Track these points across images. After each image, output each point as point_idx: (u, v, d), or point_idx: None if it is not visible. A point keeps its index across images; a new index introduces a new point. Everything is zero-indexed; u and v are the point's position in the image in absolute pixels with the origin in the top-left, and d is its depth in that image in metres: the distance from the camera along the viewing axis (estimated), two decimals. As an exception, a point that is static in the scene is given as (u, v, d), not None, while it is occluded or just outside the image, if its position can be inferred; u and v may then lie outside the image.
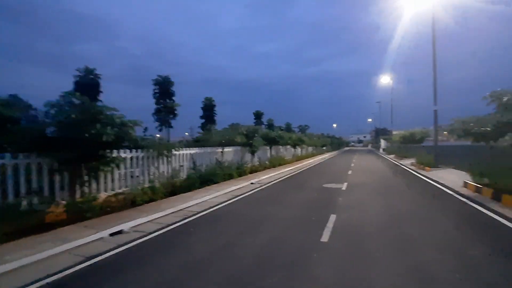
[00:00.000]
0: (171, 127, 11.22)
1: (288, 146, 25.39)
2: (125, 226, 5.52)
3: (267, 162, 18.75)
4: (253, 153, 16.40)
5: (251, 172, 15.48)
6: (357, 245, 4.53)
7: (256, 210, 7.20)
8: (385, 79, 39.45)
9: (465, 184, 9.64)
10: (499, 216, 5.92)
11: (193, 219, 6.42)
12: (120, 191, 7.66)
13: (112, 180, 7.79)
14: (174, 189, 9.29)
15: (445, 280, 3.27)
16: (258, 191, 10.10)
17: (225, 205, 7.84)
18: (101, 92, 12.54)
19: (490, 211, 6.38)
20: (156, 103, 11.26)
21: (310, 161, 25.95)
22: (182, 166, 10.50)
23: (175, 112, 11.21)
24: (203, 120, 17.29)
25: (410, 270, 3.56)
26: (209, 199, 8.57)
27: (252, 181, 12.57)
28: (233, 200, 8.44)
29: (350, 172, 15.95)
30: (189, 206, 7.61)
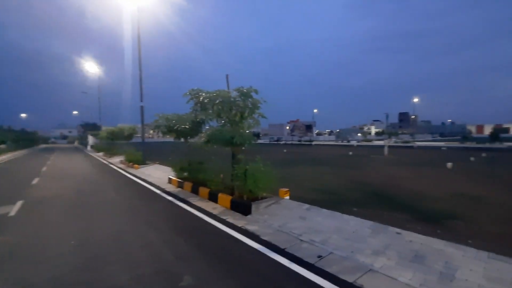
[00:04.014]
0: None
1: None
2: None
3: None
4: None
5: None
6: None
7: None
8: (92, 68, 35.15)
9: (170, 180, 9.90)
10: (201, 212, 6.02)
11: None
12: None
13: None
14: None
15: None
16: None
17: None
18: None
19: (193, 207, 6.43)
20: None
21: (-40, 171, 15.73)
22: None
23: None
24: None
25: None
26: None
27: None
28: None
29: (36, 180, 11.19)
30: None
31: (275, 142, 59.24)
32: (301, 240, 4.27)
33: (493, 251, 3.61)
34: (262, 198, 6.27)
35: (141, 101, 15.80)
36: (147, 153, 17.08)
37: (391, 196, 7.32)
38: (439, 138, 68.76)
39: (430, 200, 6.80)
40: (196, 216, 5.83)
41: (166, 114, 9.39)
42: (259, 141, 67.70)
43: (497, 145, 28.39)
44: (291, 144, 50.67)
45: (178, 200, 7.31)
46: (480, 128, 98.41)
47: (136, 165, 14.98)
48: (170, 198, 7.62)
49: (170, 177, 9.93)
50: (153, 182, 10.15)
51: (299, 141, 56.24)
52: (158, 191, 8.58)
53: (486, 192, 7.55)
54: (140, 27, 15.99)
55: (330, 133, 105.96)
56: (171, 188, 9.01)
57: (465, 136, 41.87)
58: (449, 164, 13.05)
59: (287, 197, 6.56)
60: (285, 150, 29.96)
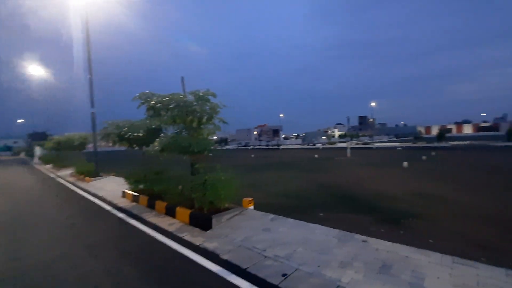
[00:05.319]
0: None
1: None
2: None
3: None
4: None
5: None
6: None
7: None
8: (37, 71, 31.53)
9: (124, 194, 8.93)
10: (155, 231, 5.34)
11: None
12: None
13: None
14: None
15: None
16: None
17: None
18: None
19: (146, 225, 5.71)
20: None
21: None
22: None
23: None
24: None
25: None
26: None
27: None
28: None
29: (-43, 203, 9.39)
30: None
31: (243, 147, 58.87)
32: (265, 256, 3.88)
33: (452, 249, 3.57)
34: (224, 210, 5.78)
35: (92, 107, 14.34)
36: (101, 164, 15.54)
37: (354, 197, 7.31)
38: (394, 138, 74.13)
39: (391, 200, 6.89)
40: (149, 235, 5.14)
41: (116, 120, 8.46)
42: (227, 146, 66.87)
43: (443, 144, 31.22)
44: (259, 148, 50.70)
45: (130, 217, 6.50)
46: (428, 129, 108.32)
47: (87, 178, 13.49)
48: (121, 215, 6.76)
49: (124, 190, 8.96)
50: (105, 197, 9.08)
51: (267, 145, 56.59)
52: (108, 207, 7.62)
53: (441, 190, 7.93)
54: (90, 24, 14.60)
55: (297, 137, 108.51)
56: (124, 203, 8.09)
57: (417, 136, 45.52)
58: (405, 164, 13.78)
59: (252, 207, 6.16)
60: (253, 155, 29.70)
